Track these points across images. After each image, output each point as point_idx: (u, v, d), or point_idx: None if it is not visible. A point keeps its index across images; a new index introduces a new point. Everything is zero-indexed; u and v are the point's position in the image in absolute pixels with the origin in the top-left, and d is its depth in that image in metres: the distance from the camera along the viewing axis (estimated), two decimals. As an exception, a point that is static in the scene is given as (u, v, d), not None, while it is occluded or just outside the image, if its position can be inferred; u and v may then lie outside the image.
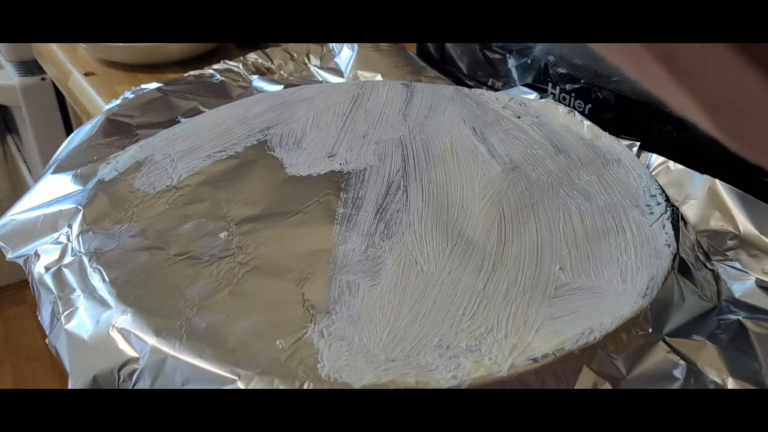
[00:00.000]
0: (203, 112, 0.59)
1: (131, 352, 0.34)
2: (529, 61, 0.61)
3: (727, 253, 0.44)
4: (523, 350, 0.33)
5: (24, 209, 0.46)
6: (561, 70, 0.58)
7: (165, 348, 0.33)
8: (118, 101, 0.61)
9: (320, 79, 0.69)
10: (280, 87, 0.65)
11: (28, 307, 1.60)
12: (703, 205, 0.46)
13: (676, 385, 0.34)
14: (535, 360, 0.32)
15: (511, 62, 0.63)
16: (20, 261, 0.41)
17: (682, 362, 0.35)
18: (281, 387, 0.31)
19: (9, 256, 0.42)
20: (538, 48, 0.60)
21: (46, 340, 0.37)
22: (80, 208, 0.44)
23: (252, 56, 0.70)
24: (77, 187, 0.47)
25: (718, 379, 0.35)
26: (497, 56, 0.65)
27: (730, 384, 0.34)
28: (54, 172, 0.50)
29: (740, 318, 0.38)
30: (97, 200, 0.45)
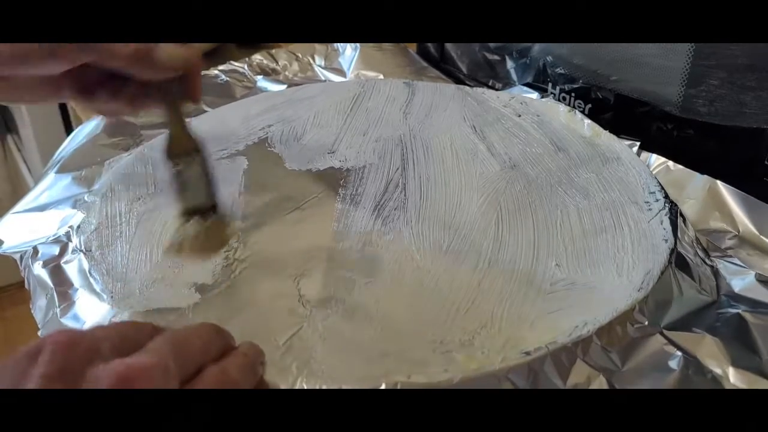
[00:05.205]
0: (207, 112, 0.60)
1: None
2: (527, 62, 0.61)
3: (726, 251, 0.43)
4: (516, 344, 0.33)
5: (25, 208, 0.46)
6: (560, 70, 0.58)
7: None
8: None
9: (324, 79, 0.69)
10: (284, 87, 0.65)
11: (28, 307, 1.61)
12: (703, 205, 0.46)
13: (671, 376, 0.34)
14: (527, 353, 0.32)
15: (510, 63, 0.63)
16: (16, 257, 0.42)
17: (678, 353, 0.35)
18: (275, 384, 0.31)
19: (2, 249, 0.42)
20: (537, 48, 0.60)
21: (39, 333, 0.37)
22: (81, 210, 0.44)
23: (257, 57, 0.70)
24: (78, 190, 0.47)
25: (718, 370, 0.34)
26: (496, 57, 0.65)
27: (731, 374, 0.34)
28: (57, 172, 0.50)
29: (740, 311, 0.38)
30: (98, 201, 0.45)
